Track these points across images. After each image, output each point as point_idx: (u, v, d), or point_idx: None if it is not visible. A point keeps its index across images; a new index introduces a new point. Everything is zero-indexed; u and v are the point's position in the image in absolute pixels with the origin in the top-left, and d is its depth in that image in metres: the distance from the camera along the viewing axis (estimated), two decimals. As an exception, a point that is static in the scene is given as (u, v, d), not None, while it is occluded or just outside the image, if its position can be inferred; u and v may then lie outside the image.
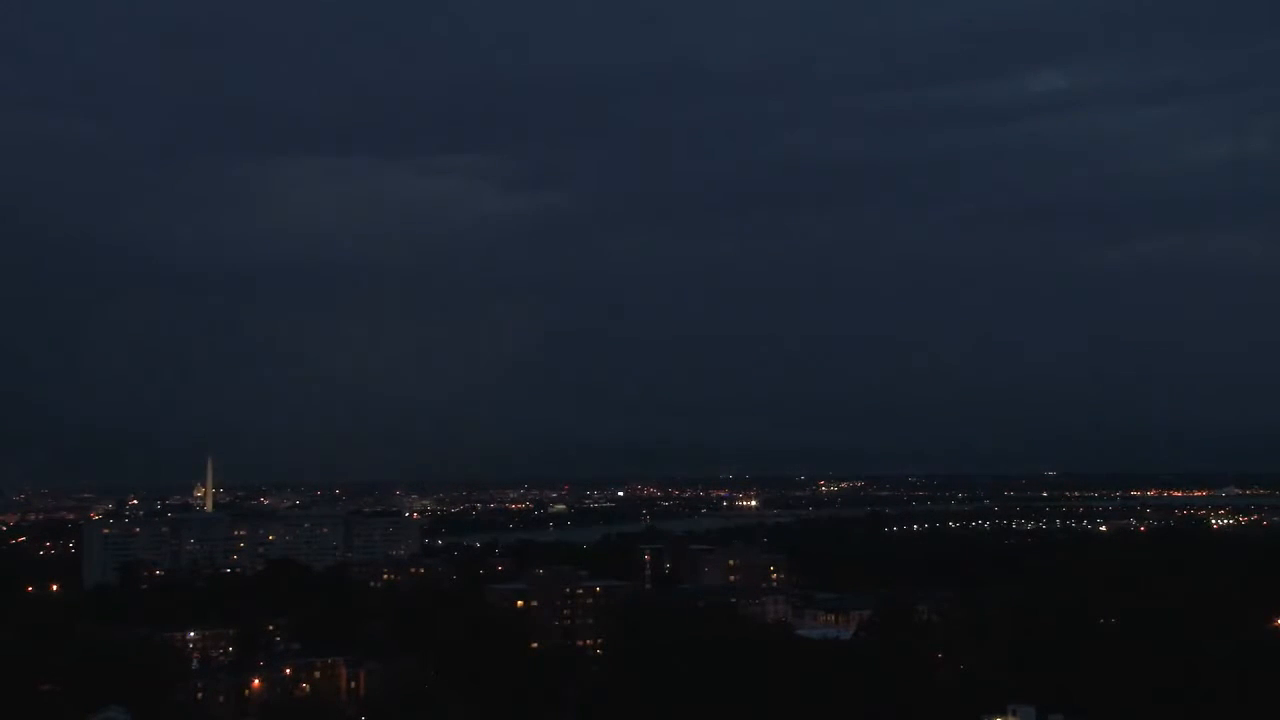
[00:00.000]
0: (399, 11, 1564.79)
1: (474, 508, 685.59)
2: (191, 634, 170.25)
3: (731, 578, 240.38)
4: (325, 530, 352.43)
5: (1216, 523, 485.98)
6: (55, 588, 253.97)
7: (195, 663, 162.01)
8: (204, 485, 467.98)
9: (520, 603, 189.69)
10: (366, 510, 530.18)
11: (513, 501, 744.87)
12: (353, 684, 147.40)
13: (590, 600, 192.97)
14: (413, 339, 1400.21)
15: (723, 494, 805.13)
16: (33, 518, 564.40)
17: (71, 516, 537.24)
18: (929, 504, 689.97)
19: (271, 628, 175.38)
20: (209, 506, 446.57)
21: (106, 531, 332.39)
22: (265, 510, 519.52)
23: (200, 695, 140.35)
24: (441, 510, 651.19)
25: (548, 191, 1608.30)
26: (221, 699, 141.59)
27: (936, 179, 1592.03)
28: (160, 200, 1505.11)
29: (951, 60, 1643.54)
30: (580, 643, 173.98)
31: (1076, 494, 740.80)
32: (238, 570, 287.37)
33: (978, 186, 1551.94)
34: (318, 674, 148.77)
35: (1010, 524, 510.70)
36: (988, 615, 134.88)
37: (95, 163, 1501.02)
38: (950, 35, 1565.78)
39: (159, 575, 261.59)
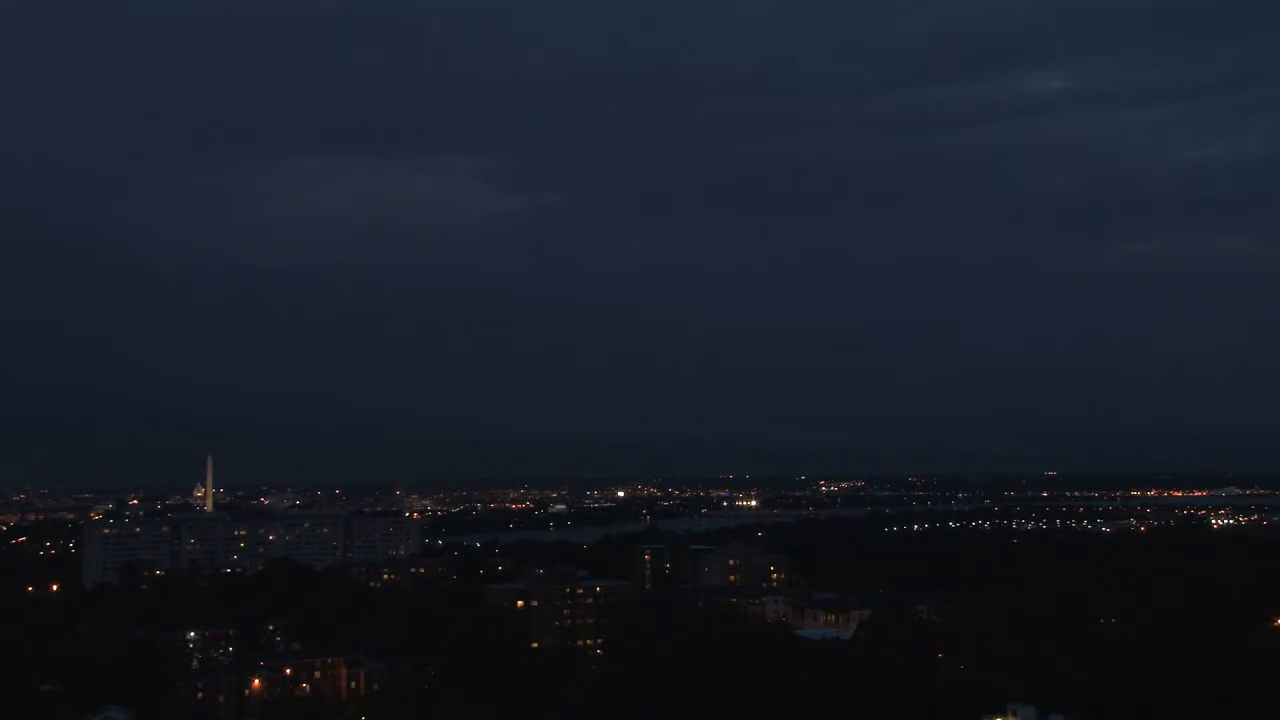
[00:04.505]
0: (398, 12, 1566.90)
1: (474, 508, 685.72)
2: (191, 634, 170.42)
3: (731, 578, 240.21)
4: (325, 530, 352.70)
5: (1216, 523, 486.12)
6: (55, 588, 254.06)
7: (195, 663, 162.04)
8: (204, 485, 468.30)
9: (520, 603, 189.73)
10: (366, 510, 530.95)
11: (513, 501, 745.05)
12: (353, 684, 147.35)
13: (590, 600, 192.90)
14: (410, 339, 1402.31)
15: (723, 494, 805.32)
16: (33, 518, 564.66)
17: (71, 516, 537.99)
18: (929, 504, 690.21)
19: (271, 628, 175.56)
20: (209, 506, 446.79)
21: (106, 531, 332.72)
22: (265, 510, 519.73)
23: (200, 695, 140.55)
24: (441, 510, 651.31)
25: (546, 191, 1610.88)
26: (221, 699, 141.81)
27: (936, 179, 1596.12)
28: (160, 200, 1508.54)
29: (949, 61, 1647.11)
30: (580, 643, 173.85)
31: (1076, 494, 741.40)
32: (238, 570, 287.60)
33: (976, 187, 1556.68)
34: (318, 674, 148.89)
35: (1010, 524, 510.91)
36: (988, 615, 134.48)
37: (95, 162, 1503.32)
38: (948, 36, 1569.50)
39: (159, 575, 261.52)
